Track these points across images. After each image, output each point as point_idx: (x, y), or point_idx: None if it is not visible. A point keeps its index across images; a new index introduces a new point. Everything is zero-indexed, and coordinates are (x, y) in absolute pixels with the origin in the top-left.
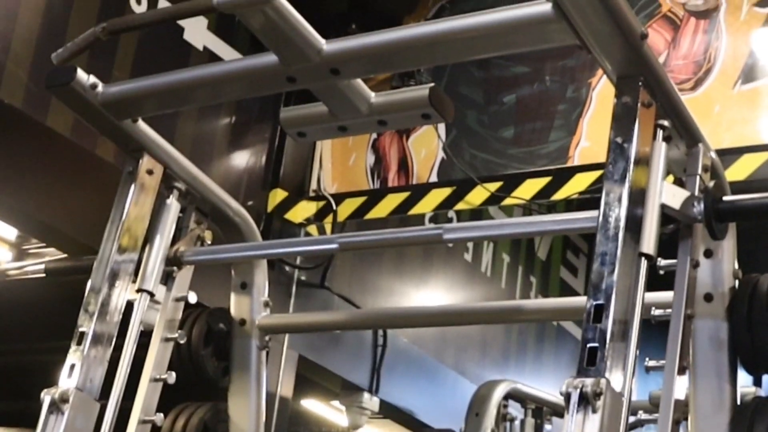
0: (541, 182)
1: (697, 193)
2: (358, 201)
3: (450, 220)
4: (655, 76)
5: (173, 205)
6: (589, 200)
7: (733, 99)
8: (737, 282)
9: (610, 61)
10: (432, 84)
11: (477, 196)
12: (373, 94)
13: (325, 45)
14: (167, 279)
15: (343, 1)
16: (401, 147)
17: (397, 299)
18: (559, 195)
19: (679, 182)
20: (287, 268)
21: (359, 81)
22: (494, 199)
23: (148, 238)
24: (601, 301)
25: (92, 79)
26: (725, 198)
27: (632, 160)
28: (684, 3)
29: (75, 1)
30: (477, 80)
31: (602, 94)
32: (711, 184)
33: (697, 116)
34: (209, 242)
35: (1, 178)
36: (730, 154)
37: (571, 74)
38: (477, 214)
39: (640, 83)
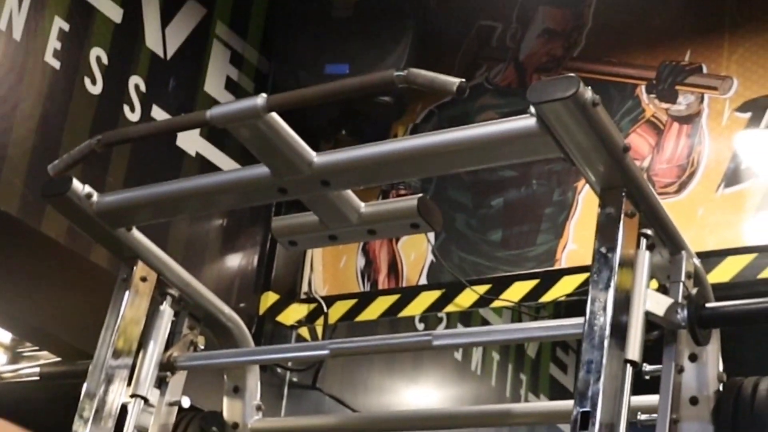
0: (529, 285)
1: (680, 299)
2: (349, 303)
3: (440, 321)
4: (638, 188)
5: (166, 311)
6: (577, 302)
7: (717, 202)
8: (722, 385)
9: (593, 173)
10: (420, 195)
11: (466, 298)
12: (362, 204)
13: (315, 157)
14: (161, 384)
15: (333, 108)
16: (391, 250)
17: (389, 398)
18: (547, 297)
19: (662, 288)
20: (279, 370)
21: (349, 191)
22: (483, 301)
23: (142, 344)
24: (587, 408)
25: (87, 188)
26: (708, 305)
27: (616, 269)
28: (667, 108)
29: (70, 110)
30: (465, 184)
31: (588, 197)
32: (694, 291)
33: (682, 219)
34: (202, 347)
35: None
36: (714, 257)
37: (558, 178)
38: (467, 314)
39: (623, 194)
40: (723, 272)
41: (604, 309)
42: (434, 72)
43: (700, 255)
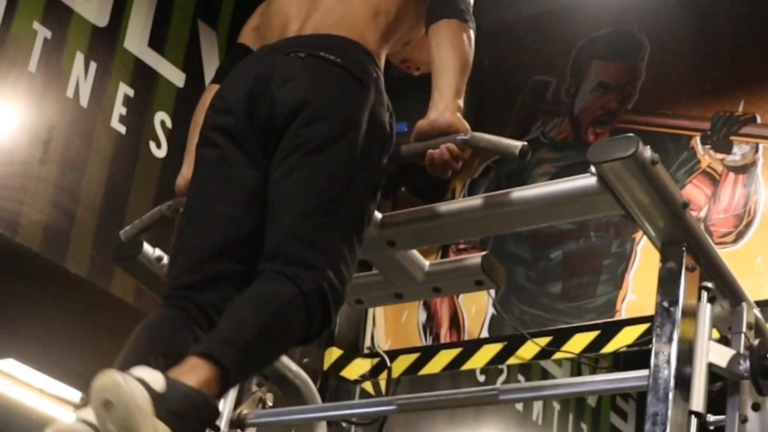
0: (590, 336)
1: (742, 350)
2: (412, 357)
3: (500, 373)
4: (698, 242)
5: None
6: (636, 352)
7: None
8: None
9: (654, 229)
10: (484, 253)
11: (527, 351)
12: (427, 262)
13: (381, 218)
14: None
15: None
16: (452, 304)
17: None
18: (608, 348)
19: (724, 339)
20: (344, 424)
21: (414, 251)
22: (544, 353)
23: None
24: None
25: (157, 252)
26: None
27: (679, 322)
28: (722, 159)
29: (136, 174)
30: (524, 238)
31: (646, 248)
32: (756, 341)
33: (740, 269)
34: (271, 404)
35: (66, 343)
36: None
37: (616, 230)
38: (527, 365)
39: (683, 249)
40: None
41: (668, 362)
42: (494, 132)
43: (759, 303)
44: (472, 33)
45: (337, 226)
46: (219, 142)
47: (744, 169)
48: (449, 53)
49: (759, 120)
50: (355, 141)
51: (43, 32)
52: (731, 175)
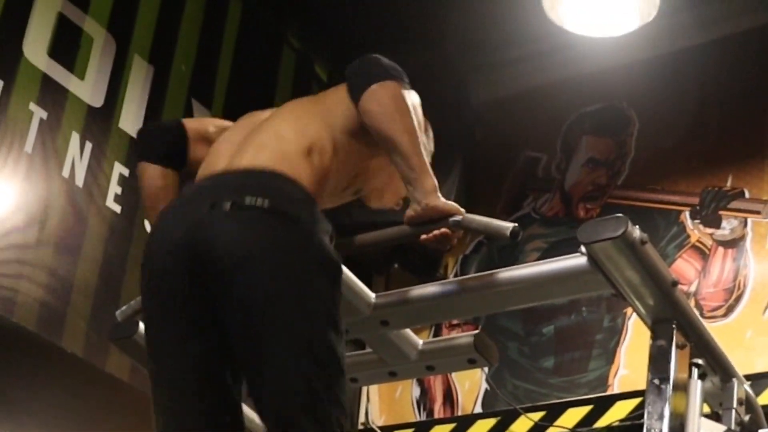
0: (583, 411)
1: (733, 426)
2: None
3: None
4: (687, 320)
5: None
6: (630, 426)
7: (764, 324)
8: None
9: (644, 307)
10: (476, 332)
11: (521, 425)
12: (420, 341)
13: (374, 299)
14: None
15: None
16: (446, 379)
17: None
18: (601, 423)
19: (715, 415)
20: None
21: (407, 329)
22: (538, 428)
23: None
24: None
25: None
26: (761, 431)
27: (670, 399)
28: (711, 233)
29: (130, 252)
30: (517, 313)
31: (638, 323)
32: (746, 417)
33: (730, 342)
34: None
35: (63, 421)
36: (763, 379)
37: (607, 305)
38: None
39: (673, 327)
40: None
41: None
42: (485, 208)
43: (749, 377)
44: (400, 89)
45: (325, 385)
46: (166, 309)
47: (733, 243)
48: (386, 134)
49: (747, 194)
50: (304, 288)
51: (39, 113)
52: (720, 249)
